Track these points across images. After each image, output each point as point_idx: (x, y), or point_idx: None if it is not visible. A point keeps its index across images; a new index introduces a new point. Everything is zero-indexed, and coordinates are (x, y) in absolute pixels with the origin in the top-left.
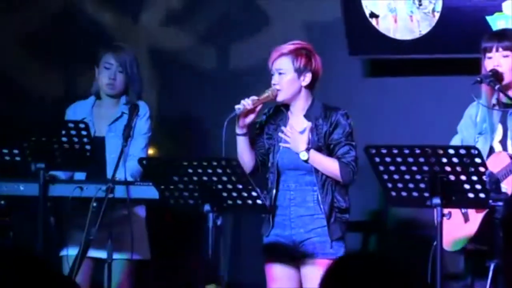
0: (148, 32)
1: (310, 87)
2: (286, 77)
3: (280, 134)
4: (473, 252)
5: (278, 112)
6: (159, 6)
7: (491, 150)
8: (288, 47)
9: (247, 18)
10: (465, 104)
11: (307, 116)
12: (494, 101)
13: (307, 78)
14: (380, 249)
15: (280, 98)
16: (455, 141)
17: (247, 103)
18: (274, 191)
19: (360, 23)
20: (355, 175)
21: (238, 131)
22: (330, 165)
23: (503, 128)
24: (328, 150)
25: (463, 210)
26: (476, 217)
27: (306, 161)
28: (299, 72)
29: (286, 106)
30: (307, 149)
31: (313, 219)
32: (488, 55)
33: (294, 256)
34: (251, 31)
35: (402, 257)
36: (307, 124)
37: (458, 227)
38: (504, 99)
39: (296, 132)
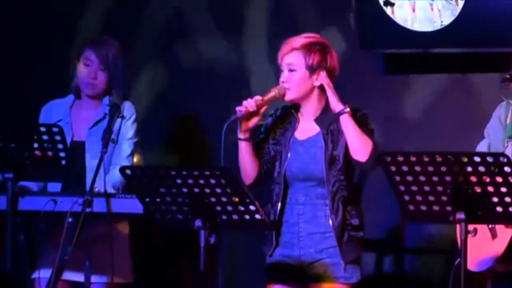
0: None
1: (324, 87)
2: (297, 74)
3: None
4: (501, 274)
5: (286, 114)
6: None
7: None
8: (300, 40)
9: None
10: (493, 105)
11: (318, 120)
12: None
13: (321, 77)
14: (397, 270)
15: (289, 97)
16: (482, 146)
17: (249, 104)
18: (279, 204)
19: (373, 12)
20: (376, 161)
21: (240, 135)
22: (366, 136)
23: None
24: (346, 160)
25: (490, 226)
26: (505, 234)
27: (343, 120)
28: (312, 69)
29: (295, 107)
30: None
31: (325, 238)
32: None
33: (302, 278)
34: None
35: (420, 279)
36: (318, 131)
37: (484, 244)
38: None
39: None
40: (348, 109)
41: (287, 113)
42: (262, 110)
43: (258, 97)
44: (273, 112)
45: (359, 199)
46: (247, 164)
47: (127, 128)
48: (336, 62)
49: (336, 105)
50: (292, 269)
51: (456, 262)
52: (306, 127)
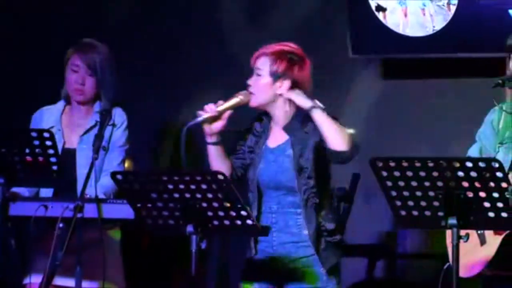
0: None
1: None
2: (261, 79)
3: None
4: (491, 277)
5: (261, 121)
6: None
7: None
8: (273, 47)
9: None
10: (485, 111)
11: (287, 128)
12: None
13: (284, 85)
14: (389, 275)
15: (253, 103)
16: (473, 151)
17: (210, 109)
18: (255, 212)
19: (365, 17)
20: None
21: (207, 139)
22: (341, 127)
23: None
24: (317, 163)
25: (479, 232)
26: (494, 239)
27: (316, 116)
28: (275, 77)
29: (268, 115)
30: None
31: (297, 247)
32: None
33: (278, 279)
34: (245, 24)
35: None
36: (286, 138)
37: (473, 250)
38: None
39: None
40: (318, 103)
41: (262, 120)
42: (226, 114)
43: (220, 102)
44: (252, 119)
45: (332, 202)
46: (216, 168)
47: (118, 136)
48: (306, 75)
49: (304, 102)
50: (269, 269)
51: (445, 267)
52: (277, 135)
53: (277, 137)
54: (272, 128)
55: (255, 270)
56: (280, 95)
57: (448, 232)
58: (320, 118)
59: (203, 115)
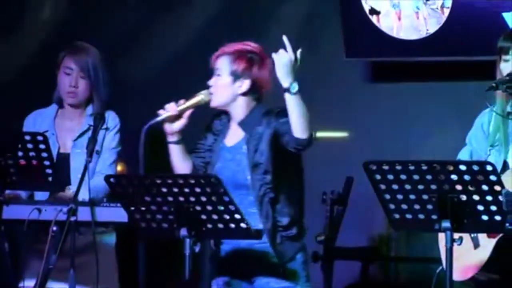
0: None
1: (249, 95)
2: (221, 79)
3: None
4: (484, 282)
5: (220, 120)
6: None
7: (505, 165)
8: (232, 46)
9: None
10: (478, 113)
11: (243, 124)
12: (509, 109)
13: (244, 85)
14: (382, 278)
15: (214, 103)
16: (464, 154)
17: (171, 108)
18: None
19: (359, 21)
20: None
21: (168, 138)
22: (305, 110)
23: None
24: (273, 156)
25: (472, 235)
26: (487, 243)
27: (296, 93)
28: (235, 76)
29: (228, 114)
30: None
31: (253, 251)
32: (504, 57)
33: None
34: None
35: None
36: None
37: (466, 253)
38: None
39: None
40: (295, 85)
41: (221, 119)
42: (187, 113)
43: (181, 101)
44: (210, 121)
45: (290, 196)
46: (178, 167)
47: (110, 138)
48: (266, 75)
49: (283, 79)
50: (235, 265)
51: (437, 271)
52: (235, 133)
53: (234, 136)
54: (230, 126)
55: (223, 266)
56: (241, 95)
57: (441, 235)
58: (292, 102)
59: (164, 114)
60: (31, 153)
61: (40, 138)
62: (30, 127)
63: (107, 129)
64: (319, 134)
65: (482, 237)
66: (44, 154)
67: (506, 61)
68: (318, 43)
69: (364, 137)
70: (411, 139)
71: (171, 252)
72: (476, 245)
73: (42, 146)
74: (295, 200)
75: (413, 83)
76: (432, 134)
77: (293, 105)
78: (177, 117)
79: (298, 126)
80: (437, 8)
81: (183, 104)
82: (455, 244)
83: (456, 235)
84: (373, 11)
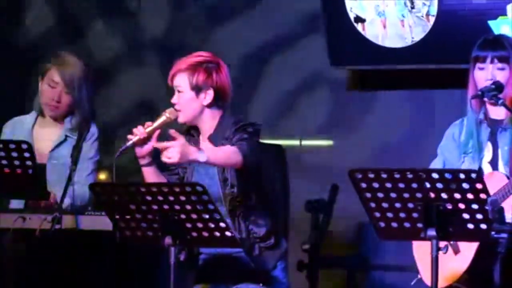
0: None
1: (215, 105)
2: (184, 96)
3: (163, 159)
4: None
5: (189, 136)
6: None
7: (480, 172)
8: (186, 61)
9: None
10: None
11: (212, 138)
12: (481, 116)
13: (208, 96)
14: (367, 287)
15: (181, 119)
16: (436, 164)
17: (139, 132)
18: None
19: (344, 29)
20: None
21: (140, 162)
22: (227, 150)
23: (493, 147)
24: (240, 173)
25: (452, 241)
26: (468, 249)
27: (207, 163)
28: (197, 90)
29: (196, 129)
30: (199, 150)
31: (234, 258)
32: (479, 65)
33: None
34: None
35: None
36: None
37: (446, 259)
38: (492, 115)
39: (178, 142)
40: (204, 156)
41: (190, 137)
42: (155, 134)
43: (148, 123)
44: (182, 134)
45: (265, 207)
46: None
47: (88, 148)
48: (225, 81)
49: (194, 157)
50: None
51: (413, 282)
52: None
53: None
54: (201, 142)
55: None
56: (206, 106)
57: (416, 244)
58: (212, 163)
59: (133, 138)
60: (16, 162)
61: (24, 146)
62: (8, 135)
63: (84, 138)
64: (304, 142)
65: (462, 243)
66: (28, 163)
67: (481, 69)
68: (303, 50)
69: (349, 145)
70: (397, 147)
71: (152, 261)
72: (456, 251)
73: (26, 155)
74: (272, 210)
75: (398, 90)
76: (418, 142)
77: (214, 163)
78: (146, 139)
79: (229, 166)
80: (422, 16)
81: (150, 126)
82: (440, 252)
83: (441, 244)
84: (358, 19)
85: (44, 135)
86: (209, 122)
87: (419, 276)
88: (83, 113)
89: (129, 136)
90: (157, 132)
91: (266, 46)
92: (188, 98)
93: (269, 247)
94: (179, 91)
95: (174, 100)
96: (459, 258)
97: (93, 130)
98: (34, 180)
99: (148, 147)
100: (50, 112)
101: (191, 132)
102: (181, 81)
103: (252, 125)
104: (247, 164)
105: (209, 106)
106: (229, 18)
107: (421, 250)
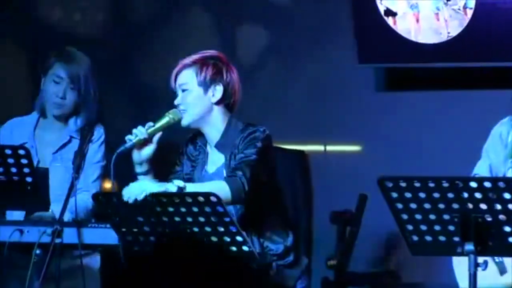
0: None
1: (223, 105)
2: (190, 94)
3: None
4: None
5: (195, 146)
6: None
7: None
8: (192, 57)
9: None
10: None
11: (220, 146)
12: None
13: (217, 92)
14: None
15: (186, 121)
16: (481, 168)
17: (140, 132)
18: None
19: (373, 23)
20: (243, 194)
21: (136, 169)
22: (212, 187)
23: None
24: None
25: (497, 259)
26: None
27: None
28: (205, 85)
29: (202, 138)
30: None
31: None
32: None
33: None
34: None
35: None
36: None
37: (490, 279)
38: None
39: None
40: (181, 184)
41: (196, 146)
42: (156, 137)
43: (150, 124)
44: (184, 145)
45: (282, 221)
46: None
47: (94, 151)
48: (235, 79)
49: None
50: None
51: None
52: (214, 158)
53: (214, 161)
54: (208, 152)
55: None
56: (215, 104)
57: (457, 259)
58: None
59: (133, 139)
60: (13, 169)
61: (22, 152)
62: (7, 137)
63: (90, 141)
64: (330, 148)
65: (509, 261)
66: (26, 170)
67: None
68: (329, 49)
69: (379, 151)
70: (430, 152)
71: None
72: (503, 271)
73: (24, 161)
74: (289, 225)
75: (433, 91)
76: (455, 148)
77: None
78: (146, 141)
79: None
80: (459, 9)
81: (152, 126)
82: (479, 269)
83: (480, 259)
84: (389, 12)
85: (46, 138)
86: (216, 125)
87: None
88: (89, 110)
89: (128, 137)
90: (159, 134)
91: (289, 46)
92: (195, 96)
93: (288, 265)
94: (183, 90)
95: (177, 101)
96: (505, 279)
97: (100, 131)
98: (33, 189)
99: (147, 151)
100: (55, 110)
101: (196, 140)
102: (187, 77)
103: (261, 133)
104: (235, 200)
105: (218, 103)
106: (247, 19)
107: (462, 266)
